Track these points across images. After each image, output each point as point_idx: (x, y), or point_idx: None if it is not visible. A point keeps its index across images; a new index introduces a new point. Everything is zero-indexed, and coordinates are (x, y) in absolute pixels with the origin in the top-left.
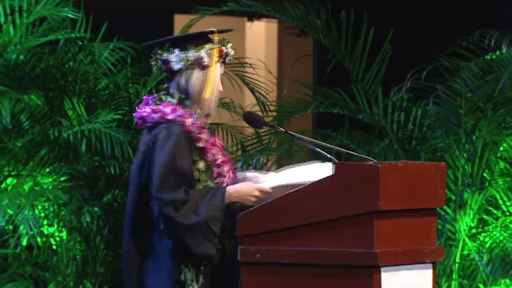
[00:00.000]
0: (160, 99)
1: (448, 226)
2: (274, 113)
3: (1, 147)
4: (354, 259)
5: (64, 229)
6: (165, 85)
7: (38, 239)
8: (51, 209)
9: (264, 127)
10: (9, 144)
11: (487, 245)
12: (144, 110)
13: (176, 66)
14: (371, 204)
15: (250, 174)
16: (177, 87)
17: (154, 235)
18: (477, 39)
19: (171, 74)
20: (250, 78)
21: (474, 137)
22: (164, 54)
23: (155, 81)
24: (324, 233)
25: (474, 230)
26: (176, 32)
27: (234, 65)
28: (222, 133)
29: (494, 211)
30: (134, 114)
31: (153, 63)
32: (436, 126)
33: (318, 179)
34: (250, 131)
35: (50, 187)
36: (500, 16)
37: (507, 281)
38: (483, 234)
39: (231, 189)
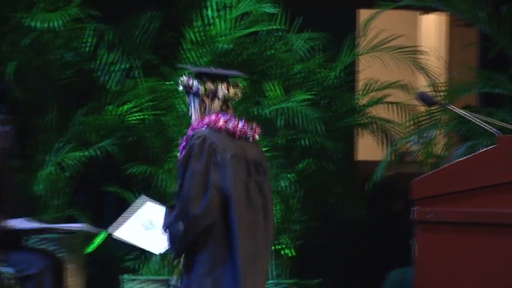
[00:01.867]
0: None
1: None
2: (443, 93)
3: None
4: None
5: None
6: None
7: None
8: None
9: (434, 105)
10: None
11: None
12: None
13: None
14: None
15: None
16: None
17: None
18: None
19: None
20: (423, 63)
21: None
22: None
23: (340, 66)
24: (489, 196)
25: None
26: (359, 25)
27: (409, 52)
28: (397, 110)
29: None
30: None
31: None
32: None
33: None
34: (422, 109)
35: None
36: None
37: None
38: None
39: None
